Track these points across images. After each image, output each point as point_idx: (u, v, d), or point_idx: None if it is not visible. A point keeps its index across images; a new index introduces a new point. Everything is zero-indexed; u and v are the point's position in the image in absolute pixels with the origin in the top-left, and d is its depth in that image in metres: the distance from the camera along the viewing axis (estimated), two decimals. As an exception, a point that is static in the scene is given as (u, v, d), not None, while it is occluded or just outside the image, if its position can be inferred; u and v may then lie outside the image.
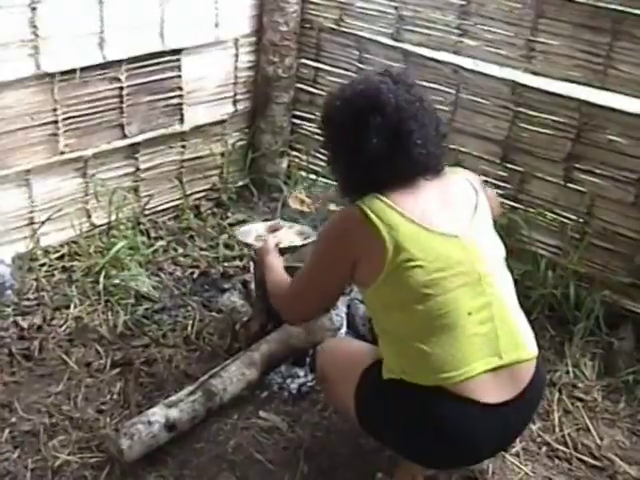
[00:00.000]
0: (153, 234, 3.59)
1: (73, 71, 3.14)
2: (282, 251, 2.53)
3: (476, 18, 3.25)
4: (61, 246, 3.37)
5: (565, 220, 3.24)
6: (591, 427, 2.68)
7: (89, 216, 3.46)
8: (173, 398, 2.45)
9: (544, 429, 2.65)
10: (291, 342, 2.71)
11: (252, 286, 2.93)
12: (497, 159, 3.37)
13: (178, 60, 3.50)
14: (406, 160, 1.98)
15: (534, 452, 2.57)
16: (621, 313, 3.13)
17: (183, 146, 3.72)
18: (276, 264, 2.41)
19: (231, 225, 3.73)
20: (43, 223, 3.29)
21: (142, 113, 3.48)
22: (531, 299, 3.04)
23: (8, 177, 3.13)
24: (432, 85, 3.44)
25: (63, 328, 2.94)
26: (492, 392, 1.94)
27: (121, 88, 3.34)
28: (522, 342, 2.03)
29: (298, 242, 2.66)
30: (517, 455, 2.53)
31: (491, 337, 1.96)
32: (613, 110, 3.02)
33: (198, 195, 3.87)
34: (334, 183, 2.24)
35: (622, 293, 3.13)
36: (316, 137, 3.73)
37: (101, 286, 3.09)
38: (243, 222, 3.75)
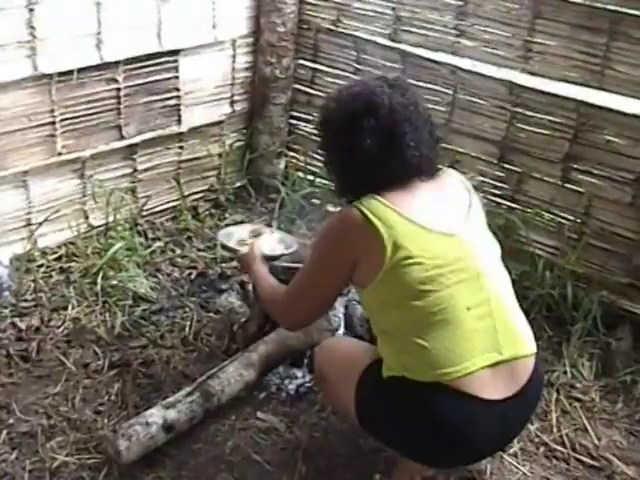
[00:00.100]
0: (151, 235, 3.59)
1: (70, 72, 3.14)
2: (264, 258, 2.53)
3: (473, 19, 3.25)
4: (59, 247, 3.36)
5: (563, 220, 3.24)
6: (589, 427, 2.68)
7: (87, 217, 3.46)
8: (171, 399, 2.45)
9: (542, 429, 2.65)
10: (289, 343, 2.71)
11: (250, 287, 2.93)
12: (494, 159, 3.37)
13: (175, 61, 3.50)
14: (399, 161, 2.01)
15: (532, 452, 2.57)
16: (619, 313, 3.13)
17: (181, 147, 3.72)
18: (265, 272, 2.43)
19: (229, 226, 3.72)
20: (40, 224, 3.28)
21: (139, 114, 3.48)
22: (529, 299, 3.04)
23: (5, 178, 3.13)
24: (429, 86, 3.45)
25: (61, 329, 2.94)
26: (491, 388, 1.95)
27: (118, 89, 3.34)
28: (521, 338, 2.04)
29: (279, 251, 2.64)
30: (515, 455, 2.53)
31: (490, 333, 1.97)
32: (610, 110, 3.02)
33: (196, 196, 3.87)
34: (331, 184, 2.25)
35: (620, 293, 3.13)
36: (313, 138, 3.72)
37: (99, 287, 3.09)
38: (240, 223, 3.75)
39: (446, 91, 3.43)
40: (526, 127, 3.24)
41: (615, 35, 2.93)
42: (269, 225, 3.57)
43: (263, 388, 2.70)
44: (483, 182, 3.42)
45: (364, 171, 2.03)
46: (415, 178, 2.05)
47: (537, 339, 2.12)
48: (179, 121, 3.64)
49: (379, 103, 2.01)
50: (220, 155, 3.90)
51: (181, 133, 3.68)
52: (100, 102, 3.31)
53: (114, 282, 3.13)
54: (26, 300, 3.07)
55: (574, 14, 3.00)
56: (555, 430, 2.65)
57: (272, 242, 2.68)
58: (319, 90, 3.87)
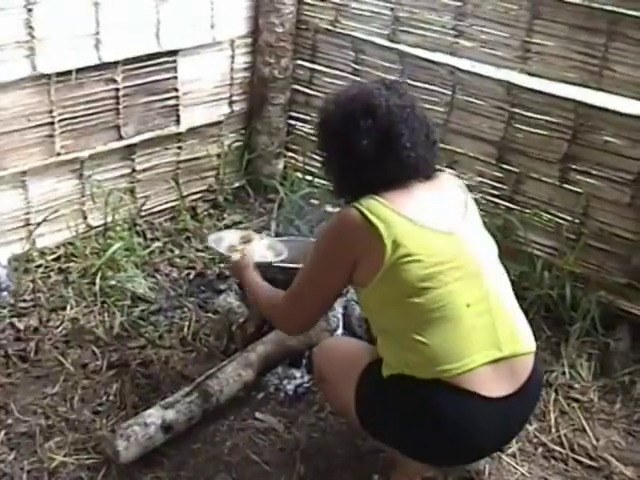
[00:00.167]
0: (149, 235, 3.59)
1: (69, 72, 3.15)
2: (255, 265, 2.52)
3: (472, 19, 3.25)
4: (57, 247, 3.36)
5: (561, 221, 3.24)
6: (587, 428, 2.68)
7: (85, 217, 3.46)
8: (169, 399, 2.45)
9: (540, 430, 2.65)
10: (287, 343, 2.71)
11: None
12: (493, 160, 3.37)
13: (174, 61, 3.50)
14: (396, 162, 2.04)
15: (530, 453, 2.57)
16: (617, 314, 3.13)
17: (179, 147, 3.72)
18: (259, 279, 2.42)
19: (227, 226, 3.73)
20: (39, 224, 3.28)
21: (138, 114, 3.48)
22: (527, 300, 3.04)
23: (4, 178, 3.13)
24: (428, 86, 3.45)
25: (59, 329, 2.93)
26: (492, 385, 1.95)
27: (117, 89, 3.34)
28: (520, 336, 2.05)
29: (270, 259, 2.64)
30: (513, 456, 2.53)
31: (489, 330, 1.98)
32: (609, 111, 3.03)
33: (194, 196, 3.87)
34: (329, 185, 2.28)
35: (618, 294, 3.14)
36: (312, 138, 3.72)
37: (97, 287, 3.09)
38: (239, 223, 3.77)
39: (444, 91, 3.43)
40: (524, 127, 3.24)
41: (613, 36, 2.93)
42: (264, 228, 3.57)
43: (262, 388, 2.70)
44: (481, 182, 3.42)
45: (362, 172, 2.06)
46: (412, 178, 2.08)
47: (536, 339, 2.12)
48: (178, 121, 3.64)
49: (376, 105, 2.05)
50: (219, 155, 3.90)
51: (180, 133, 3.68)
52: (99, 102, 3.31)
53: (113, 282, 3.13)
54: (24, 300, 3.06)
55: (572, 15, 3.00)
56: (553, 430, 2.65)
57: (262, 249, 2.68)
58: (318, 90, 3.87)
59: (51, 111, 3.17)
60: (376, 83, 2.17)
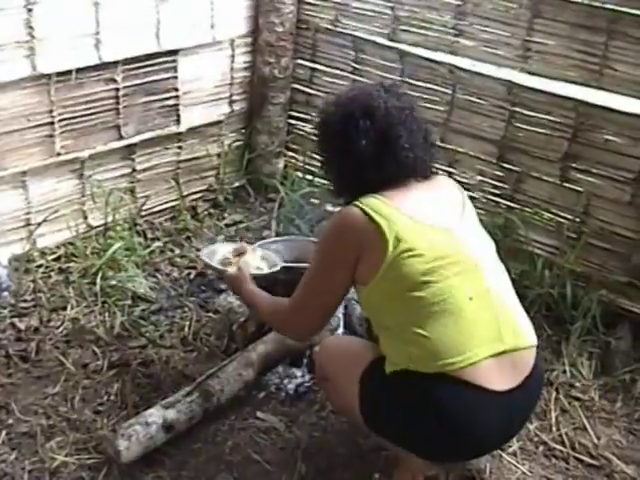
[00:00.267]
0: (150, 235, 3.59)
1: (69, 72, 3.14)
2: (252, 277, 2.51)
3: (472, 18, 3.25)
4: (58, 247, 3.36)
5: (562, 220, 3.24)
6: (588, 426, 2.68)
7: (85, 217, 3.45)
8: (170, 399, 2.45)
9: (541, 428, 2.65)
10: (288, 342, 2.70)
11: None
12: (493, 159, 3.37)
13: (174, 61, 3.50)
14: (394, 162, 2.08)
15: (531, 451, 2.57)
16: (618, 312, 3.13)
17: (179, 147, 3.72)
18: (257, 290, 2.42)
19: (228, 226, 3.73)
20: (39, 224, 3.28)
21: (138, 114, 3.48)
22: (528, 299, 3.04)
23: (4, 179, 3.13)
24: (428, 85, 3.46)
25: (60, 329, 2.93)
26: (496, 379, 1.96)
27: (117, 89, 3.34)
28: (522, 330, 2.07)
29: (265, 270, 2.63)
30: (514, 454, 2.53)
31: (492, 323, 2.00)
32: (609, 110, 3.03)
33: (195, 196, 3.87)
34: (329, 185, 2.30)
35: (619, 292, 3.14)
36: (312, 138, 3.72)
37: (98, 287, 3.09)
38: (239, 223, 3.77)
39: (445, 90, 3.43)
40: (525, 126, 3.24)
41: (614, 34, 2.93)
42: (264, 228, 3.57)
43: (262, 388, 2.70)
44: (482, 181, 3.43)
45: (360, 171, 2.09)
46: (411, 178, 2.12)
47: (536, 338, 2.12)
48: (178, 121, 3.64)
49: (375, 106, 2.10)
50: (219, 155, 3.90)
51: (180, 133, 3.68)
52: (99, 102, 3.31)
53: (113, 282, 3.13)
54: (25, 300, 3.06)
55: (573, 13, 3.00)
56: (554, 429, 2.65)
57: (257, 261, 2.67)
58: (318, 90, 3.87)
59: (51, 111, 3.17)
60: (375, 85, 2.22)
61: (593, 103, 3.06)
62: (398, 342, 2.02)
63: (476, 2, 3.22)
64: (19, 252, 3.24)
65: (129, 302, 3.08)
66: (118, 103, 3.37)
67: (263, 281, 2.52)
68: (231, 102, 3.87)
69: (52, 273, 3.24)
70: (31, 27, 2.95)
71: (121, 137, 3.45)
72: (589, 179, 3.14)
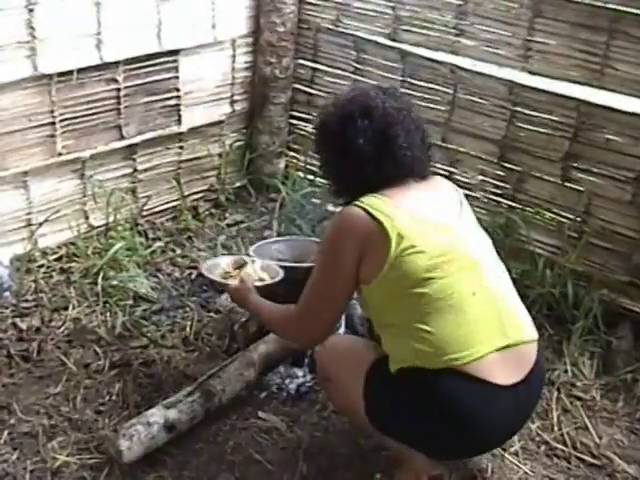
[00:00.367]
0: (151, 235, 3.59)
1: (70, 72, 3.15)
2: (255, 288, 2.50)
3: (473, 18, 3.25)
4: (59, 247, 3.36)
5: (563, 219, 3.24)
6: (590, 426, 2.68)
7: (87, 217, 3.46)
8: (172, 399, 2.45)
9: (543, 428, 2.65)
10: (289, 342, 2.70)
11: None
12: (495, 159, 3.37)
13: (175, 61, 3.50)
14: (392, 162, 2.11)
15: (533, 451, 2.57)
16: (619, 312, 3.13)
17: (181, 147, 3.72)
18: (262, 300, 2.42)
19: (229, 226, 3.73)
20: (41, 224, 3.28)
21: (139, 114, 3.48)
22: (529, 298, 3.03)
23: (5, 179, 3.13)
24: (430, 85, 3.46)
25: (61, 329, 2.93)
26: (501, 373, 1.98)
27: (118, 89, 3.34)
28: (523, 325, 2.10)
29: (268, 280, 2.63)
30: (516, 454, 2.53)
31: (495, 318, 2.02)
32: (610, 109, 3.03)
33: (196, 196, 3.87)
34: (328, 185, 2.31)
35: (620, 292, 3.14)
36: (313, 137, 3.73)
37: (99, 287, 3.09)
38: (241, 223, 3.77)
39: (446, 90, 3.43)
40: (526, 126, 3.24)
41: (615, 34, 2.93)
42: (265, 228, 3.57)
43: (264, 388, 2.70)
44: (483, 181, 3.42)
45: (359, 171, 2.11)
46: (409, 178, 2.14)
47: (538, 338, 2.12)
48: (179, 121, 3.64)
49: (373, 106, 2.12)
50: (220, 155, 3.90)
51: (181, 133, 3.68)
52: (100, 102, 3.32)
53: (115, 282, 3.13)
54: (27, 300, 3.07)
55: (574, 13, 3.00)
56: (556, 429, 2.65)
57: (258, 271, 2.67)
58: (319, 90, 3.88)
59: (52, 111, 3.17)
60: (373, 87, 2.26)
61: (594, 103, 3.06)
62: (402, 339, 2.02)
63: (477, 2, 3.22)
64: (20, 252, 3.24)
65: (130, 302, 3.08)
66: (119, 103, 3.37)
67: (266, 291, 2.52)
68: (232, 102, 3.87)
69: (53, 273, 3.24)
70: (32, 27, 2.95)
71: (122, 137, 3.45)
72: (590, 179, 3.14)
